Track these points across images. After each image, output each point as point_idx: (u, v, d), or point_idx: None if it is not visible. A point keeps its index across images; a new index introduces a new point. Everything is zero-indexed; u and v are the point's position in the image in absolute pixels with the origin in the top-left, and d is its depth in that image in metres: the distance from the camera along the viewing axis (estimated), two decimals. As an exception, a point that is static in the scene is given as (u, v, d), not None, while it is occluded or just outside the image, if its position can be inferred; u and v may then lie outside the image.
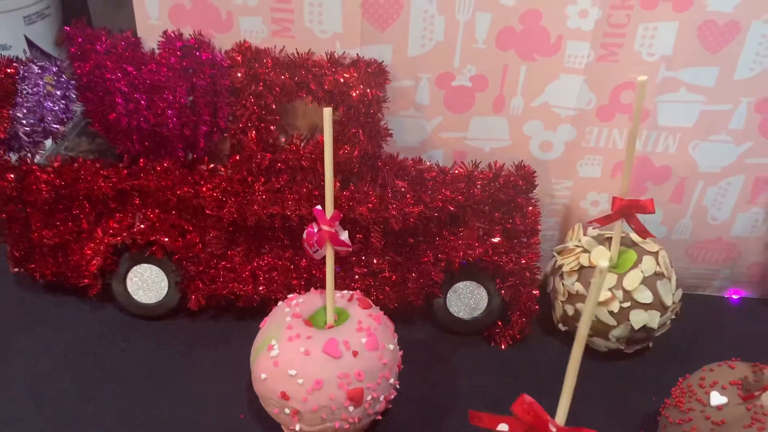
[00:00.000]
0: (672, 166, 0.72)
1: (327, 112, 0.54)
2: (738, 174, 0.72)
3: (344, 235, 0.59)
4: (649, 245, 0.70)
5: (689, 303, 0.81)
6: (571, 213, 0.76)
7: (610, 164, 0.72)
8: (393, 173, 0.70)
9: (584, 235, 0.73)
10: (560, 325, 0.73)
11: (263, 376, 0.58)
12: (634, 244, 0.70)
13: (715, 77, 0.66)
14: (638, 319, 0.67)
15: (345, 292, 0.64)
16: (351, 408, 0.57)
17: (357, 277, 0.72)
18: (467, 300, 0.73)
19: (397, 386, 0.62)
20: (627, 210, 0.65)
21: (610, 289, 0.67)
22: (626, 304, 0.67)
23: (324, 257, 0.59)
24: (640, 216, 0.68)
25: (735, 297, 0.82)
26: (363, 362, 0.57)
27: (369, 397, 0.58)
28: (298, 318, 0.60)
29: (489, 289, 0.73)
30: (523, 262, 0.71)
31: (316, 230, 0.59)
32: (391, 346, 0.60)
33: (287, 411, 0.57)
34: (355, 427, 0.59)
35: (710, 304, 0.82)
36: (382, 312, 0.63)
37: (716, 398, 0.55)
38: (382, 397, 0.59)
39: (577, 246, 0.71)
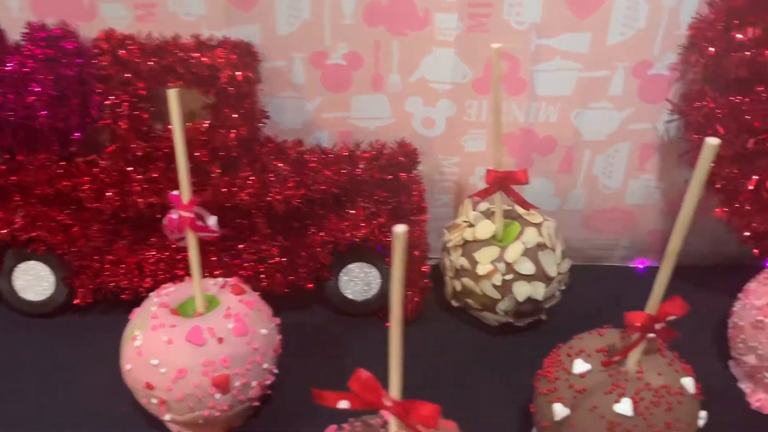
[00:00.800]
0: (556, 135, 0.71)
1: (172, 93, 0.53)
2: (624, 140, 0.71)
3: (211, 221, 0.58)
4: (534, 216, 0.69)
5: (593, 274, 0.81)
6: (461, 189, 0.75)
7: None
8: (273, 156, 0.69)
9: (473, 210, 0.72)
10: (453, 301, 0.72)
11: (128, 366, 0.57)
12: (519, 217, 0.70)
13: (588, 43, 0.65)
14: (521, 291, 0.66)
15: (219, 279, 0.63)
16: (218, 395, 0.56)
17: (246, 264, 0.71)
18: (359, 281, 0.73)
19: (275, 371, 0.61)
20: (501, 182, 0.64)
21: (492, 262, 0.66)
22: (509, 277, 0.66)
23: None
24: (529, 188, 0.67)
25: (640, 266, 0.82)
26: (229, 348, 0.56)
27: (237, 384, 0.57)
28: (165, 308, 0.59)
29: (381, 269, 0.72)
30: (410, 239, 0.70)
31: (176, 216, 0.58)
32: (265, 331, 0.60)
33: (154, 401, 0.57)
34: (226, 414, 0.58)
35: (615, 275, 0.82)
36: (258, 296, 0.62)
37: (579, 366, 0.54)
38: (254, 383, 0.58)
39: (465, 221, 0.71)
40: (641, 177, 0.74)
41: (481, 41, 0.65)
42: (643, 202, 0.75)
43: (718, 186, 0.67)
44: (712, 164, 0.41)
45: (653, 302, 0.50)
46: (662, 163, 0.72)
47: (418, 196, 0.71)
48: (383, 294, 0.73)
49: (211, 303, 0.61)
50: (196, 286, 0.59)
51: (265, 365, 0.59)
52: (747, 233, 0.68)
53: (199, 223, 0.58)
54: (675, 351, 0.55)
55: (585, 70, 0.67)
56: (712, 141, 0.41)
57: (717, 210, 0.68)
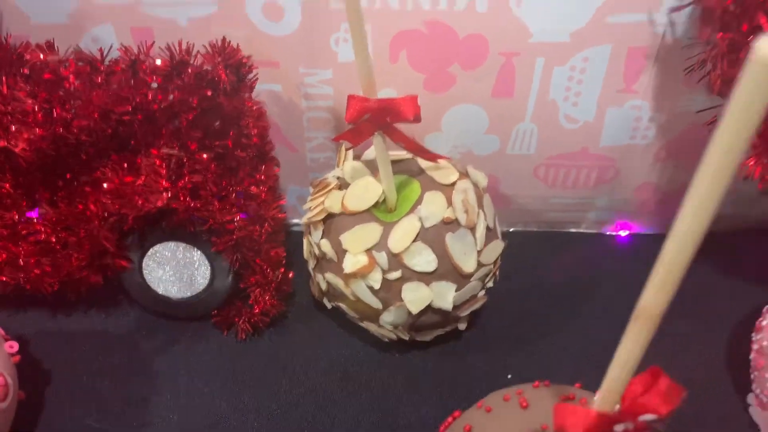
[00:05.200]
0: (487, 35, 0.43)
1: None
2: (599, 43, 0.43)
3: None
4: (443, 173, 0.42)
5: (552, 246, 0.55)
6: (341, 122, 0.48)
7: (387, 36, 0.43)
8: (10, 73, 0.41)
9: (353, 160, 0.45)
10: (325, 301, 0.46)
11: None
12: (422, 172, 0.43)
13: None
14: (416, 297, 0.40)
15: None
16: None
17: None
18: (177, 270, 0.47)
19: None
20: (375, 119, 0.37)
21: (367, 251, 0.40)
22: (395, 275, 0.40)
23: None
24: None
25: (622, 234, 0.56)
26: None
27: None
28: None
29: (208, 253, 0.46)
30: (250, 208, 0.44)
31: None
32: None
33: None
34: None
35: (586, 245, 0.55)
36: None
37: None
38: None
39: (338, 178, 0.44)
40: (626, 104, 0.46)
41: None
42: (628, 143, 0.48)
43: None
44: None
45: (612, 386, 0.24)
46: (661, 80, 0.44)
47: (259, 136, 0.44)
48: (217, 289, 0.47)
49: None
50: None
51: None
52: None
53: None
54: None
55: None
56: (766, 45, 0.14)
57: (747, 161, 0.41)
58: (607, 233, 0.56)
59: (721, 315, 0.49)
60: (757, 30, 0.37)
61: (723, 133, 0.18)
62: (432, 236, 0.40)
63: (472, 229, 0.41)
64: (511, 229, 0.55)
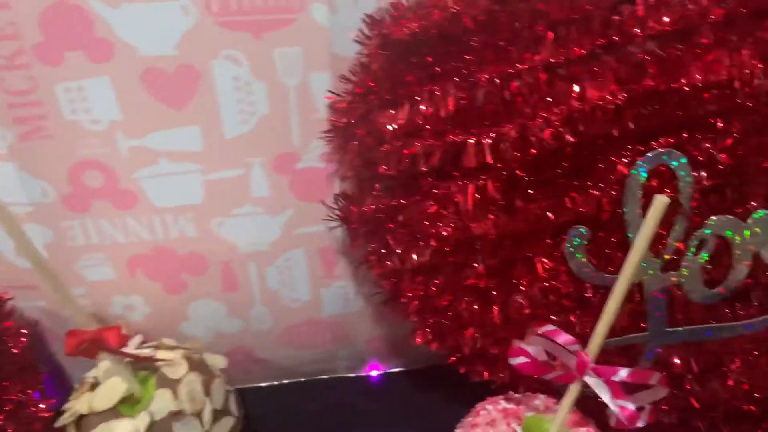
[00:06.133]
0: (203, 251, 0.53)
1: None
2: (295, 248, 0.54)
3: None
4: (175, 368, 0.52)
5: (314, 391, 0.65)
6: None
7: (124, 260, 0.54)
8: None
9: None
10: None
11: None
12: (157, 369, 0.52)
13: (200, 138, 0.48)
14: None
15: None
16: None
17: None
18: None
19: None
20: (90, 348, 0.46)
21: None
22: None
23: None
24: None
25: (374, 374, 0.66)
26: None
27: None
28: None
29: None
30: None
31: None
32: None
33: None
34: None
35: (342, 388, 0.65)
36: None
37: None
38: None
39: (94, 377, 0.53)
40: (333, 285, 0.57)
41: (49, 148, 0.47)
42: (344, 311, 0.59)
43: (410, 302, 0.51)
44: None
45: None
46: (354, 267, 0.56)
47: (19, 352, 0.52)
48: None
49: None
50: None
51: None
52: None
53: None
54: None
55: (209, 171, 0.49)
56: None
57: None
58: (361, 375, 0.66)
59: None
60: (385, 247, 0.49)
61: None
62: (162, 427, 0.49)
63: (199, 414, 0.50)
64: (275, 383, 0.65)
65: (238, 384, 0.65)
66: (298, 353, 0.62)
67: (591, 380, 0.43)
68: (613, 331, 0.50)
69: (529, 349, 0.44)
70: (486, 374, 0.54)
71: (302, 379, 0.66)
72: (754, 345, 0.51)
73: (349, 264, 0.56)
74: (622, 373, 0.43)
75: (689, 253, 0.46)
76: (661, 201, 0.38)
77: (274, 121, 0.48)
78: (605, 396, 0.43)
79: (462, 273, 0.49)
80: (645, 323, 0.49)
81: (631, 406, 0.42)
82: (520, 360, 0.44)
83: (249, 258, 0.54)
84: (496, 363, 0.53)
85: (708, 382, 0.52)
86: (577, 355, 0.44)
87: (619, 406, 0.42)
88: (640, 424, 0.44)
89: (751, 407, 0.54)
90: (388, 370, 0.66)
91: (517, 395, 0.51)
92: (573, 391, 0.45)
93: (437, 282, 0.49)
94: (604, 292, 0.48)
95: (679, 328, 0.49)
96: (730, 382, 0.51)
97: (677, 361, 0.51)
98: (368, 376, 0.66)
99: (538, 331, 0.45)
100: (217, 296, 0.56)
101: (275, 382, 0.65)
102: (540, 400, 0.51)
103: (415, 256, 0.48)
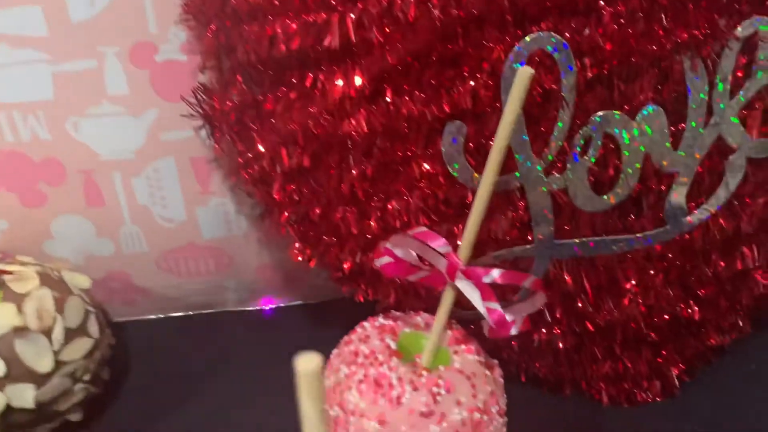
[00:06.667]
0: (59, 157, 0.49)
1: None
2: (163, 155, 0.50)
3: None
4: (23, 283, 0.47)
5: (200, 327, 0.61)
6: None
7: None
8: None
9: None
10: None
11: None
12: (3, 283, 0.47)
13: (43, 22, 0.43)
14: (-13, 402, 0.45)
15: None
16: None
17: None
18: None
19: None
20: None
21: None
22: (-32, 384, 0.44)
23: None
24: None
25: (267, 308, 0.62)
26: None
27: None
28: None
29: None
30: None
31: None
32: None
33: None
34: None
35: (231, 323, 0.61)
36: None
37: None
38: None
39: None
40: (210, 203, 0.53)
41: None
42: (227, 234, 0.55)
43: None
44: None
45: None
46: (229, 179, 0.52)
47: None
48: None
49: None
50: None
51: None
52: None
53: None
54: None
55: (56, 61, 0.45)
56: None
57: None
58: (253, 309, 0.62)
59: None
60: (251, 150, 0.44)
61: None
62: (2, 344, 0.45)
63: (47, 332, 0.46)
64: (153, 317, 0.61)
65: (122, 317, 0.60)
66: (181, 282, 0.58)
67: (461, 284, 0.40)
68: (498, 244, 0.47)
69: (395, 249, 0.41)
70: (370, 293, 0.50)
71: (190, 313, 0.61)
72: (651, 262, 0.48)
73: (227, 178, 0.52)
74: (494, 273, 0.39)
75: (574, 154, 0.43)
76: (524, 73, 0.35)
77: (127, 3, 0.43)
78: (475, 299, 0.40)
79: (336, 178, 0.45)
80: (532, 235, 0.45)
81: (498, 308, 0.39)
82: (385, 260, 0.41)
83: (112, 167, 0.50)
84: (379, 280, 0.49)
85: (602, 302, 0.49)
86: (447, 257, 0.40)
87: (487, 308, 0.39)
88: (512, 330, 0.40)
89: (651, 333, 0.51)
90: (282, 304, 0.62)
91: (398, 313, 0.47)
92: (447, 299, 0.42)
93: (308, 188, 0.45)
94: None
95: (568, 241, 0.45)
96: (626, 302, 0.49)
97: (568, 278, 0.48)
98: (261, 310, 0.62)
99: (409, 233, 0.41)
100: (81, 211, 0.51)
101: (161, 315, 0.61)
102: (422, 317, 0.47)
103: (284, 158, 0.44)
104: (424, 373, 0.42)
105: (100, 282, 0.56)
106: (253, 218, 0.54)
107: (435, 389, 0.41)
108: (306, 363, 0.19)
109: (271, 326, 0.61)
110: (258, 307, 0.62)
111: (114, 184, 0.50)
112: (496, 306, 0.39)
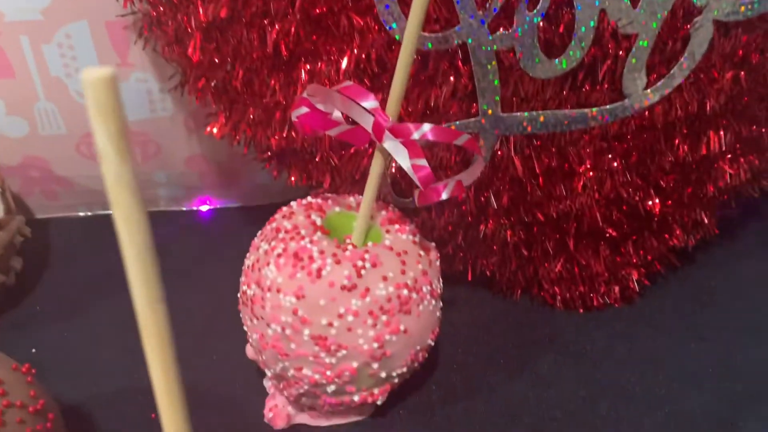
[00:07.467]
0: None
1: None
2: (75, 20, 0.45)
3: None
4: None
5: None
6: None
7: None
8: None
9: None
10: None
11: None
12: None
13: None
14: None
15: None
16: None
17: None
18: None
19: None
20: None
21: None
22: None
23: None
24: None
25: (204, 209, 0.58)
26: None
27: None
28: None
29: None
30: None
31: None
32: None
33: None
34: None
35: (162, 224, 0.57)
36: None
37: None
38: None
39: None
40: (131, 77, 0.48)
41: None
42: (150, 116, 0.50)
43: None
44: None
45: None
46: (151, 51, 0.47)
47: None
48: None
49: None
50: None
51: None
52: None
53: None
54: None
55: None
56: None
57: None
58: (187, 209, 0.58)
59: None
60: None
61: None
62: None
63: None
64: (81, 214, 0.56)
65: (45, 213, 0.56)
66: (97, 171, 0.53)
67: (389, 144, 0.36)
68: (440, 116, 0.42)
69: (313, 100, 0.36)
70: (304, 178, 0.46)
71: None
72: (607, 143, 0.44)
73: (151, 49, 0.47)
74: (425, 128, 0.35)
75: (522, 8, 0.38)
76: None
77: None
78: (403, 159, 0.35)
79: (257, 36, 0.40)
80: (477, 107, 0.41)
81: (426, 165, 0.35)
82: (301, 111, 0.36)
83: (19, 30, 0.45)
84: (312, 161, 0.45)
85: (553, 188, 0.45)
86: (375, 113, 0.36)
87: (414, 165, 0.35)
88: (443, 194, 0.36)
89: (608, 229, 0.47)
90: (219, 206, 0.58)
91: (330, 195, 0.43)
92: (376, 166, 0.38)
93: (228, 48, 0.41)
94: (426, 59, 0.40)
95: (517, 114, 0.41)
96: (579, 187, 0.44)
97: (517, 161, 0.43)
98: (196, 211, 0.58)
99: (335, 88, 0.37)
100: (-10, 83, 0.47)
101: (88, 213, 0.57)
102: (355, 198, 0.43)
103: (199, 8, 0.39)
104: (350, 247, 0.38)
105: (16, 169, 0.51)
106: (180, 99, 0.49)
107: (360, 263, 0.37)
108: (95, 71, 0.15)
109: (206, 228, 0.57)
110: (193, 208, 0.58)
111: (22, 51, 0.46)
112: (423, 162, 0.35)
